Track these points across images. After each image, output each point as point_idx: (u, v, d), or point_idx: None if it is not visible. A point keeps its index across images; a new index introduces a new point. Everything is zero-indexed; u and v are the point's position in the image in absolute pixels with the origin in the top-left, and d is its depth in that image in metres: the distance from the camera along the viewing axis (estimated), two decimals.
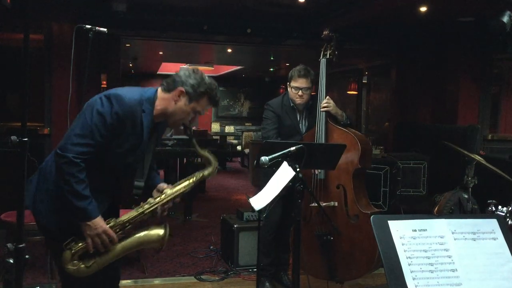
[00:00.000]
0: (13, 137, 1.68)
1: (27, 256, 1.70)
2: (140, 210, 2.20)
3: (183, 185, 2.28)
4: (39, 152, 5.30)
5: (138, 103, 2.14)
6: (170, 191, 2.26)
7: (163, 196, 2.24)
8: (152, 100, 2.20)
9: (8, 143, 1.69)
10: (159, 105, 2.21)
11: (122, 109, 2.07)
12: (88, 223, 2.07)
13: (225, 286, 3.96)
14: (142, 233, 2.21)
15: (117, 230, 2.17)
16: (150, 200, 2.24)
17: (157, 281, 4.01)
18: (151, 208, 2.21)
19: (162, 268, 4.31)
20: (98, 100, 2.10)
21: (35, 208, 2.18)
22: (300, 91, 3.61)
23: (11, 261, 1.67)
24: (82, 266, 2.11)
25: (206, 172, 2.34)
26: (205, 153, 2.36)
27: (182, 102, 2.21)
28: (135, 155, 2.21)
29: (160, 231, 2.21)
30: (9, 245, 1.68)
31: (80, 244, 2.11)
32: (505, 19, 2.74)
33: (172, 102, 2.21)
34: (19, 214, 1.73)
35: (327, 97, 3.51)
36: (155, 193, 2.30)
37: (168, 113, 2.23)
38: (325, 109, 3.46)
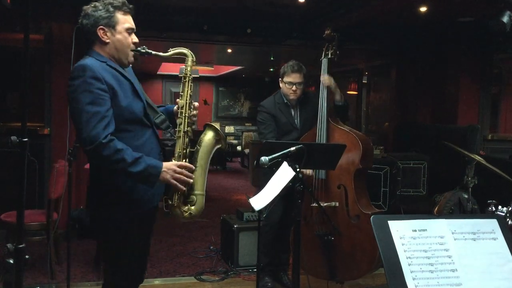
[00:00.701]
0: (13, 137, 1.68)
1: (27, 256, 1.70)
2: (181, 133, 2.27)
3: (186, 86, 2.32)
4: (39, 152, 5.31)
5: (96, 60, 2.15)
6: (181, 100, 2.30)
7: (182, 109, 2.29)
8: (99, 54, 2.20)
9: (8, 143, 1.69)
10: (104, 55, 2.21)
11: (91, 70, 2.07)
12: (162, 172, 2.12)
13: (225, 286, 3.96)
14: (202, 145, 2.30)
15: (183, 159, 2.24)
16: (178, 120, 2.29)
17: (157, 281, 4.01)
18: (185, 123, 2.28)
19: (162, 268, 4.31)
20: (70, 87, 2.10)
21: (91, 205, 2.28)
22: (294, 86, 3.64)
23: (11, 261, 1.67)
24: (192, 207, 2.24)
25: (188, 63, 2.34)
26: (173, 51, 2.37)
27: (110, 36, 2.20)
28: (140, 97, 2.25)
29: (210, 133, 2.32)
30: (9, 245, 1.68)
31: (174, 194, 2.21)
32: (505, 19, 2.74)
33: (106, 45, 2.21)
34: (19, 214, 1.73)
35: (327, 75, 3.54)
36: (177, 117, 2.34)
37: (114, 54, 2.23)
38: (326, 83, 3.50)
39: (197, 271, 4.22)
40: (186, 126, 2.28)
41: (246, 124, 14.88)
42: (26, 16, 1.71)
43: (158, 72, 13.20)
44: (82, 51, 2.31)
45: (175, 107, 2.40)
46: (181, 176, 2.16)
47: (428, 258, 1.62)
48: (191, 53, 2.38)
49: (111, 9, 2.20)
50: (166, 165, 2.15)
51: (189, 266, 4.40)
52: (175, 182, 2.15)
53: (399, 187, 5.33)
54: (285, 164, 2.55)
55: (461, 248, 1.66)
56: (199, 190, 2.26)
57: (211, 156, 2.33)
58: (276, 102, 3.76)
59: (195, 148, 2.30)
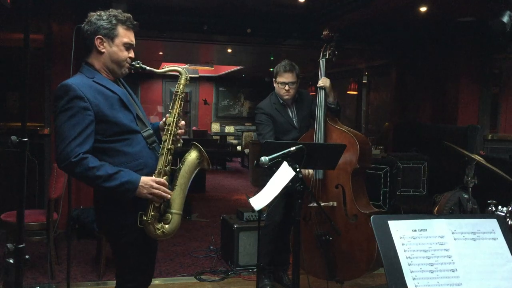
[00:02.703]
0: (13, 137, 1.68)
1: (27, 256, 1.70)
2: (164, 150, 2.25)
3: (176, 104, 2.31)
4: (39, 152, 5.31)
5: (81, 77, 2.18)
6: (170, 117, 2.30)
7: (168, 126, 2.28)
8: (88, 69, 2.22)
9: (8, 143, 1.69)
10: (97, 66, 2.23)
11: (73, 90, 2.08)
12: (139, 187, 2.12)
13: (225, 286, 3.96)
14: (184, 164, 2.29)
15: (162, 176, 2.22)
16: (164, 136, 2.29)
17: (157, 281, 4.01)
18: (170, 141, 2.26)
19: (162, 268, 4.31)
20: (53, 107, 2.14)
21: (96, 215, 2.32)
22: (287, 85, 3.65)
23: (11, 261, 1.67)
24: (166, 226, 2.21)
25: (182, 81, 2.35)
26: (167, 68, 2.40)
27: (107, 46, 2.22)
28: (129, 109, 2.24)
29: (195, 153, 2.30)
30: (9, 245, 1.68)
31: (149, 210, 2.18)
32: (505, 19, 2.75)
33: (101, 54, 2.22)
34: (19, 214, 1.73)
35: (324, 76, 3.56)
36: (162, 133, 2.35)
37: (108, 65, 2.24)
38: (321, 85, 3.52)
39: (197, 271, 4.22)
40: (170, 144, 2.26)
41: (246, 124, 14.88)
42: (26, 16, 1.71)
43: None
44: (82, 51, 2.31)
45: (161, 123, 2.41)
46: (158, 191, 2.16)
47: (428, 258, 1.62)
48: (186, 71, 2.40)
49: (114, 21, 2.22)
50: (143, 180, 2.13)
51: (189, 266, 4.40)
52: (151, 196, 2.14)
53: (399, 187, 5.34)
54: (285, 164, 2.55)
55: (461, 248, 1.66)
56: (175, 209, 2.23)
57: (192, 176, 2.31)
58: (272, 103, 3.77)
59: (178, 166, 2.29)
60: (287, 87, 3.66)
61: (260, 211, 2.58)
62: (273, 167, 2.60)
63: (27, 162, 1.69)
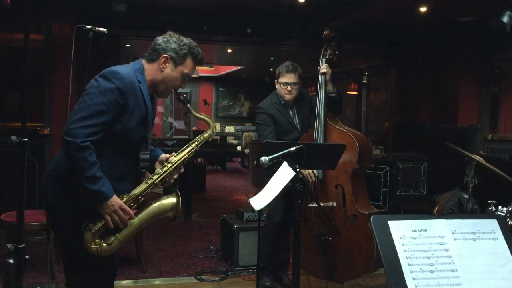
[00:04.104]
0: (13, 137, 1.68)
1: (27, 256, 1.70)
2: (150, 181, 2.23)
3: (186, 151, 2.31)
4: (39, 152, 5.31)
5: (133, 75, 2.17)
6: (175, 158, 2.28)
7: (169, 164, 2.27)
8: (142, 70, 2.23)
9: (8, 143, 1.69)
10: (147, 75, 2.23)
11: (122, 82, 2.08)
12: (105, 203, 2.09)
13: (225, 286, 3.96)
14: (156, 204, 2.25)
15: (131, 204, 2.19)
16: (158, 170, 2.26)
17: (157, 281, 4.01)
18: (160, 178, 2.24)
19: (162, 268, 4.31)
20: (94, 82, 2.11)
21: (47, 191, 2.19)
22: (289, 86, 3.65)
23: (11, 261, 1.67)
24: (104, 244, 2.15)
25: (206, 134, 2.37)
26: (202, 116, 2.41)
27: (169, 68, 2.23)
28: (146, 127, 2.23)
29: (172, 200, 2.26)
30: (9, 245, 1.68)
31: (99, 223, 2.13)
32: (505, 19, 2.74)
33: (159, 71, 2.23)
34: (19, 214, 1.73)
35: (326, 64, 3.56)
36: (157, 165, 2.32)
37: (157, 82, 2.25)
38: (324, 71, 3.53)
39: (197, 271, 4.22)
40: (159, 180, 2.24)
41: (246, 124, 14.89)
42: (26, 16, 1.71)
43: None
44: (82, 51, 2.31)
45: (163, 155, 2.37)
46: (116, 217, 2.12)
47: (428, 258, 1.62)
48: (215, 126, 2.43)
49: (186, 51, 2.25)
50: (112, 200, 2.10)
51: (189, 266, 4.39)
52: (108, 218, 2.11)
53: (399, 187, 5.34)
54: (285, 164, 2.55)
55: (461, 248, 1.66)
56: (121, 236, 2.18)
57: (155, 219, 2.28)
58: (273, 103, 3.76)
59: (149, 202, 2.26)
60: (289, 88, 3.66)
61: (260, 211, 2.58)
62: (273, 167, 2.60)
63: (27, 162, 1.69)
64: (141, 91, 2.17)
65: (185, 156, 2.30)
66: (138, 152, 2.26)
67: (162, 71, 2.23)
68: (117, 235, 2.17)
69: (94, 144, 2.06)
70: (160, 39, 2.25)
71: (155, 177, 2.23)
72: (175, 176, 2.29)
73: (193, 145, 2.32)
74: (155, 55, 2.23)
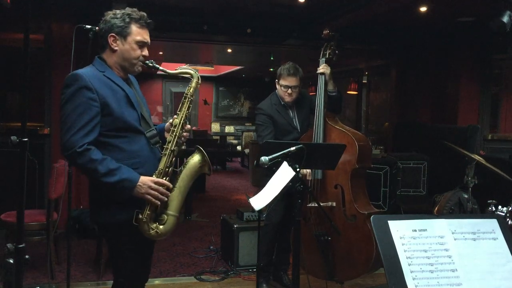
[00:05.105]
0: (13, 137, 1.68)
1: (27, 256, 1.70)
2: (167, 151, 2.25)
3: (184, 106, 2.32)
4: (39, 152, 5.31)
5: (93, 69, 2.20)
6: (177, 118, 2.30)
7: (174, 127, 2.29)
8: (101, 63, 2.25)
9: (8, 143, 1.69)
10: (109, 63, 2.26)
11: (83, 80, 2.10)
12: (137, 186, 2.12)
13: (225, 286, 3.96)
14: (185, 168, 2.29)
15: (163, 177, 2.22)
16: (168, 137, 2.28)
17: (157, 281, 4.01)
18: (174, 142, 2.26)
19: (162, 268, 4.31)
20: (61, 95, 2.14)
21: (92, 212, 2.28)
22: (290, 89, 3.64)
23: (11, 261, 1.67)
24: (161, 226, 2.21)
25: (193, 84, 2.36)
26: (179, 70, 2.40)
27: (120, 44, 2.24)
28: (135, 107, 2.25)
29: (197, 157, 2.31)
30: (9, 245, 1.68)
31: (145, 209, 2.17)
32: (505, 19, 2.74)
33: (114, 52, 2.25)
34: (19, 214, 1.73)
35: (325, 64, 3.55)
36: (166, 135, 2.35)
37: (120, 62, 2.26)
38: (321, 71, 3.52)
39: (197, 271, 4.22)
40: (174, 145, 2.26)
41: (246, 124, 14.88)
42: (26, 16, 1.71)
43: (158, 72, 13.19)
44: (82, 51, 2.32)
45: (167, 124, 2.42)
46: (156, 192, 2.16)
47: (428, 258, 1.62)
48: (198, 75, 2.39)
49: (127, 19, 2.23)
50: (142, 179, 2.13)
51: (189, 266, 4.40)
52: (149, 197, 2.14)
53: (399, 187, 5.33)
54: (285, 164, 2.55)
55: (461, 248, 1.66)
56: (172, 211, 2.23)
57: (192, 180, 2.31)
58: (272, 103, 3.75)
59: (179, 169, 2.29)
60: (289, 91, 3.64)
61: (260, 211, 2.58)
62: (273, 167, 2.60)
63: (27, 162, 1.69)
64: (108, 78, 2.20)
65: (186, 112, 2.32)
66: (144, 134, 2.29)
67: (116, 50, 2.24)
68: (167, 211, 2.22)
69: (104, 145, 2.11)
70: (101, 25, 2.26)
71: (169, 144, 2.26)
72: (185, 134, 2.31)
73: (187, 98, 2.33)
74: (104, 41, 2.25)
